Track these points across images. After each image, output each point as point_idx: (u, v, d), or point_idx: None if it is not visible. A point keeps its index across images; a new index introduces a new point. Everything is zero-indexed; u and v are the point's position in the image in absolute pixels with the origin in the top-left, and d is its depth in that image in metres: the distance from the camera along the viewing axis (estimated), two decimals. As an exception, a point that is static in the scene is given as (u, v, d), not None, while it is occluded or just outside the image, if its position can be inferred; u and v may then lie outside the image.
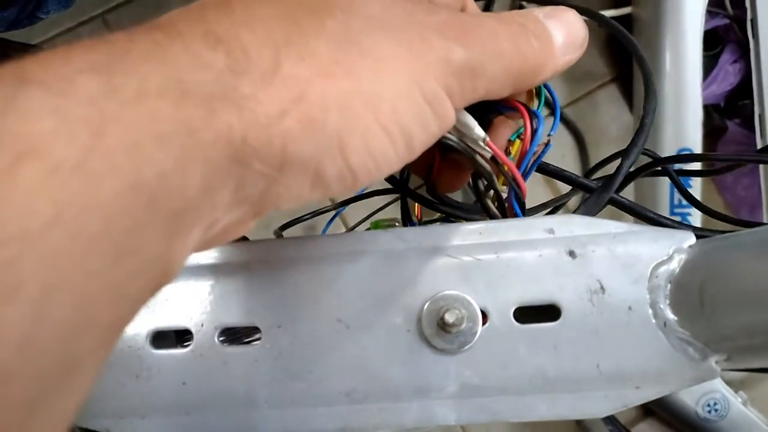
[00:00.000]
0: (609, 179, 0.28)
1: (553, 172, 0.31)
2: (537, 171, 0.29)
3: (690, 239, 0.25)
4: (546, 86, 0.27)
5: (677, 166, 0.76)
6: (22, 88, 0.13)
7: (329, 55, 0.18)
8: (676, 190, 0.74)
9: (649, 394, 0.24)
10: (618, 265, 0.24)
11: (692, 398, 0.78)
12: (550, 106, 0.28)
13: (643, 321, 0.24)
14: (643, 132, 0.28)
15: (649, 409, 0.84)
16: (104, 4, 0.81)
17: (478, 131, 0.24)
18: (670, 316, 0.24)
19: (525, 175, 0.27)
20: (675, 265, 0.24)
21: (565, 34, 0.24)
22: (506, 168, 0.25)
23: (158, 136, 0.15)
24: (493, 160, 0.25)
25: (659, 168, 0.37)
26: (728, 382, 0.79)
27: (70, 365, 0.14)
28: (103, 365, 0.16)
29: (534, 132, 0.26)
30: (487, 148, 0.25)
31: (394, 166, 0.20)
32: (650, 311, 0.24)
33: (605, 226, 0.25)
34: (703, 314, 0.23)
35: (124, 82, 0.15)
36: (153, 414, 0.25)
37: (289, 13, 0.19)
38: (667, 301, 0.24)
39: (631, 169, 0.30)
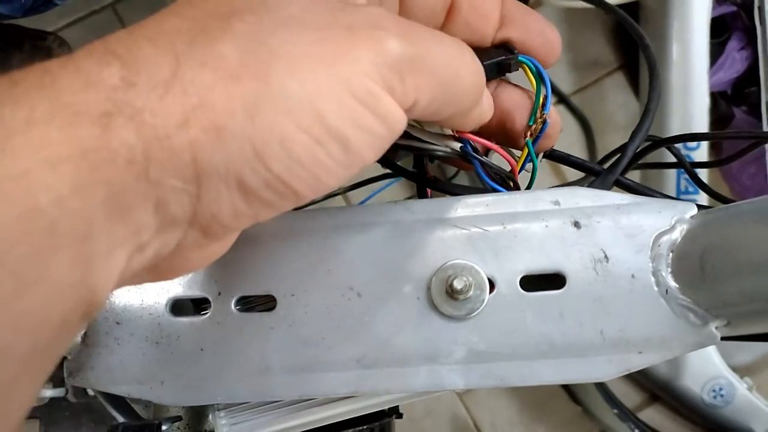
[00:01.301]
0: (614, 162, 0.29)
1: (559, 157, 0.31)
2: (544, 157, 0.30)
3: (692, 210, 0.25)
4: (537, 66, 0.27)
5: (684, 153, 0.76)
6: None
7: (236, 58, 0.17)
8: (681, 177, 0.75)
9: (652, 358, 0.24)
10: (622, 235, 0.25)
11: (698, 384, 0.79)
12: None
13: (645, 288, 0.24)
14: (648, 116, 0.29)
15: (655, 395, 0.85)
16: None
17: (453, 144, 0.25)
18: (672, 283, 0.24)
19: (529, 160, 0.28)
20: (677, 234, 0.25)
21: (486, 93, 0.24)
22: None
23: (49, 162, 0.15)
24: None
25: (665, 154, 0.37)
26: (734, 369, 0.80)
27: None
28: (34, 389, 0.16)
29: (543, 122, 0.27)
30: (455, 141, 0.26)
31: (337, 172, 0.19)
32: (653, 279, 0.24)
33: (610, 198, 0.26)
34: (703, 281, 0.23)
35: (11, 112, 0.15)
36: (171, 379, 0.25)
37: (197, 21, 0.18)
38: (669, 269, 0.24)
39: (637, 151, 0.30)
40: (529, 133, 0.27)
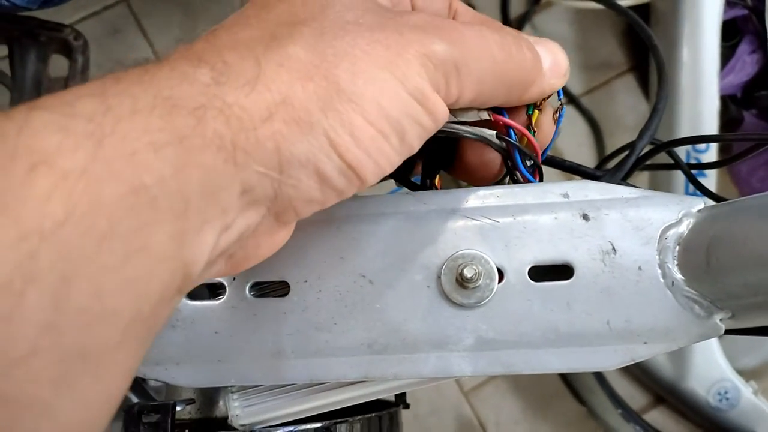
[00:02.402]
0: (618, 164, 0.29)
1: (558, 164, 0.31)
2: (544, 164, 0.30)
3: (698, 204, 0.26)
4: None
5: (694, 156, 0.76)
6: (32, 112, 0.16)
7: (307, 59, 0.20)
8: (689, 183, 0.75)
9: (657, 349, 0.25)
10: (630, 228, 0.25)
11: (703, 387, 0.79)
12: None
13: (652, 280, 0.25)
14: (655, 117, 0.30)
15: (660, 397, 0.85)
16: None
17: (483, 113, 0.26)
18: (678, 275, 0.25)
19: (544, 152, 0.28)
20: (684, 228, 0.25)
21: (552, 61, 0.26)
22: (525, 139, 0.27)
23: (153, 146, 0.17)
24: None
25: (671, 160, 0.38)
26: (740, 372, 0.80)
27: (92, 353, 0.16)
28: (133, 362, 0.18)
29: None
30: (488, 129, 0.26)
31: (394, 160, 0.21)
32: (659, 271, 0.25)
33: (618, 191, 0.26)
34: (709, 274, 0.24)
35: (119, 102, 0.17)
36: (187, 361, 0.26)
37: (268, 30, 0.21)
38: (676, 262, 0.25)
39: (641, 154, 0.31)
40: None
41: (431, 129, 0.22)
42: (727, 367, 0.78)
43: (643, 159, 0.37)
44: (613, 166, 0.30)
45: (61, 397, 0.15)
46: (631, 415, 0.77)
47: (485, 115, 0.26)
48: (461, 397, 0.85)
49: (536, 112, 0.27)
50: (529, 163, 0.28)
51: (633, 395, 0.85)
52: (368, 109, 0.20)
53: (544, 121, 0.28)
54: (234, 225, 0.19)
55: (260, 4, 0.23)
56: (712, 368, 0.79)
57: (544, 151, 0.29)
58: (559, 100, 0.28)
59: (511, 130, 0.27)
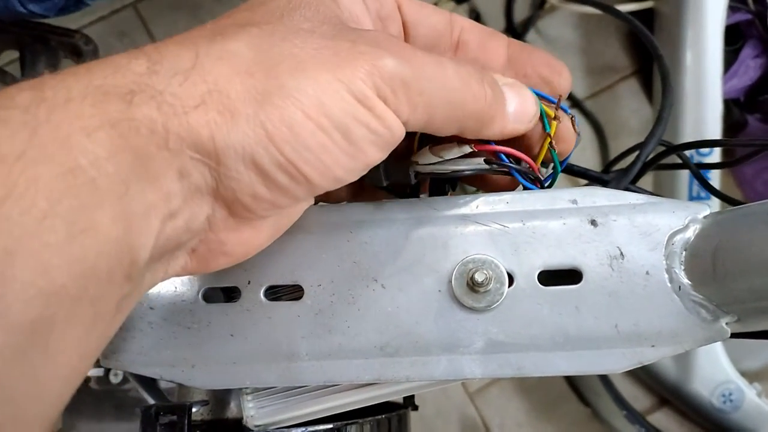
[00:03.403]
0: (626, 169, 0.30)
1: (567, 168, 0.32)
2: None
3: (704, 211, 0.26)
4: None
5: (697, 159, 0.76)
6: None
7: (249, 56, 0.20)
8: (694, 182, 0.75)
9: (664, 352, 0.25)
10: (637, 234, 0.26)
11: (707, 389, 0.79)
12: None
13: (659, 285, 0.25)
14: (660, 124, 0.30)
15: (664, 399, 0.86)
16: (137, -8, 0.84)
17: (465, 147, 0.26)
18: (685, 280, 0.25)
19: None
20: (690, 233, 0.26)
21: (518, 104, 0.26)
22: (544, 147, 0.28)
23: (85, 130, 0.17)
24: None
25: (677, 161, 0.38)
26: (743, 374, 0.80)
27: (39, 328, 0.16)
28: (85, 345, 0.18)
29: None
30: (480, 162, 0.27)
31: (342, 160, 0.21)
32: (666, 276, 0.25)
33: (626, 198, 0.27)
34: (715, 279, 0.24)
35: (53, 93, 0.18)
36: (203, 363, 0.27)
37: (218, 28, 0.21)
38: (682, 267, 0.25)
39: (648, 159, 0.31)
40: (548, 140, 0.28)
41: (386, 136, 0.21)
42: (731, 369, 0.79)
43: (652, 162, 0.37)
44: (619, 171, 0.31)
45: (11, 369, 0.16)
46: (635, 416, 0.77)
47: (467, 149, 0.26)
48: (466, 398, 0.85)
49: (554, 123, 0.28)
50: (545, 171, 0.28)
51: (637, 397, 0.86)
52: (308, 104, 0.20)
53: (564, 130, 0.28)
54: (179, 213, 0.20)
55: (226, 13, 0.24)
56: (716, 370, 0.79)
57: (565, 160, 0.29)
58: (567, 113, 0.29)
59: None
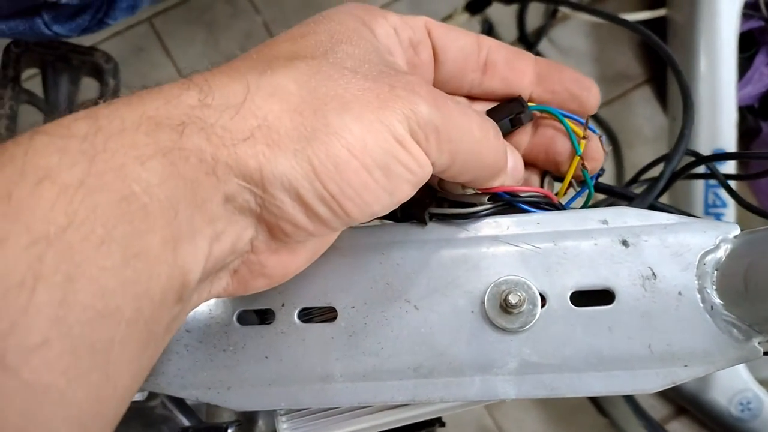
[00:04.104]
0: (652, 183, 0.30)
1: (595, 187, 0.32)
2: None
3: (735, 230, 0.26)
4: (549, 109, 0.29)
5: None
6: (35, 137, 0.18)
7: (298, 93, 0.21)
8: (709, 191, 0.75)
9: (697, 371, 0.25)
10: (668, 254, 0.26)
11: (725, 397, 0.79)
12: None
13: (691, 305, 0.25)
14: (683, 140, 0.30)
15: (682, 408, 0.85)
16: (152, 8, 0.85)
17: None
18: (717, 300, 0.25)
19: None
20: (721, 253, 0.26)
21: (514, 162, 0.27)
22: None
23: (139, 159, 0.18)
24: None
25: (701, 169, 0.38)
26: (762, 382, 0.80)
27: (99, 348, 0.17)
28: (138, 365, 0.19)
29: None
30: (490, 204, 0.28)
31: (382, 198, 0.22)
32: (698, 296, 0.25)
33: (657, 218, 0.27)
34: (747, 298, 0.24)
35: (108, 122, 0.19)
36: (238, 385, 0.27)
37: (266, 60, 0.22)
38: (714, 287, 0.26)
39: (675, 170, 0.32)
40: (580, 162, 0.29)
41: (419, 175, 0.22)
42: (749, 378, 0.78)
43: (681, 172, 0.37)
44: (644, 190, 0.31)
45: (74, 388, 0.17)
46: (653, 426, 0.77)
47: (470, 191, 0.27)
48: (483, 409, 0.85)
49: (583, 142, 0.28)
50: (572, 191, 0.29)
51: (655, 406, 0.85)
52: (353, 144, 0.21)
53: (592, 149, 0.29)
54: (224, 234, 0.21)
55: (267, 42, 0.24)
56: (734, 379, 0.79)
57: (595, 176, 0.30)
58: (595, 133, 0.29)
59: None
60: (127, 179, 0.18)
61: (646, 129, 0.91)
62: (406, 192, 0.23)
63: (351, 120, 0.21)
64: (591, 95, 0.30)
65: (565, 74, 0.30)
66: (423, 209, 0.28)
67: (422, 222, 0.28)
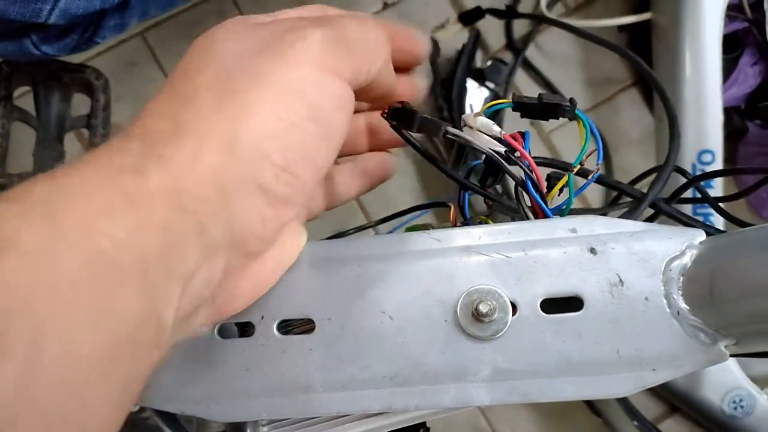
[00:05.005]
0: (634, 206, 0.31)
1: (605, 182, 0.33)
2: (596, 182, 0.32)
3: (700, 236, 0.27)
4: (588, 124, 0.30)
5: (699, 168, 0.77)
6: None
7: (213, 99, 0.22)
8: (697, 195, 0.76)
9: (665, 375, 0.26)
10: (635, 260, 0.27)
11: (718, 395, 0.80)
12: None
13: (658, 310, 0.26)
14: (665, 172, 0.31)
15: (675, 406, 0.86)
16: (143, 23, 0.85)
17: (495, 128, 0.28)
18: (683, 305, 0.26)
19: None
20: (687, 259, 0.27)
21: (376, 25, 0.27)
22: (527, 162, 0.29)
23: (103, 212, 0.18)
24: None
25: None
26: (754, 380, 0.80)
27: (72, 414, 0.17)
28: (114, 406, 0.18)
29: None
30: (499, 144, 0.29)
31: (324, 150, 0.23)
32: (665, 301, 0.26)
33: (624, 226, 0.27)
34: (712, 303, 0.25)
35: (68, 181, 0.19)
36: (221, 397, 0.28)
37: (171, 91, 0.23)
38: (680, 292, 0.26)
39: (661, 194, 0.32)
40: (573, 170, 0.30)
41: (348, 103, 0.23)
42: (741, 375, 0.79)
43: (675, 196, 0.38)
44: (624, 213, 0.32)
45: (60, 425, 0.16)
46: (645, 425, 0.78)
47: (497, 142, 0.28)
48: (477, 411, 0.86)
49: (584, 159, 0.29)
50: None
51: (648, 405, 0.86)
52: (280, 111, 0.22)
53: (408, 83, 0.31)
54: (199, 271, 0.21)
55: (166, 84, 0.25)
56: (725, 376, 0.79)
57: (580, 189, 0.30)
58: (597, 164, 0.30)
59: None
60: (94, 237, 0.18)
61: (633, 132, 0.91)
62: (339, 123, 0.23)
63: (266, 88, 0.22)
64: (417, 44, 0.31)
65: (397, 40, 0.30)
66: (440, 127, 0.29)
67: (436, 135, 0.29)
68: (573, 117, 0.30)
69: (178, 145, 0.20)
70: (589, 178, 0.30)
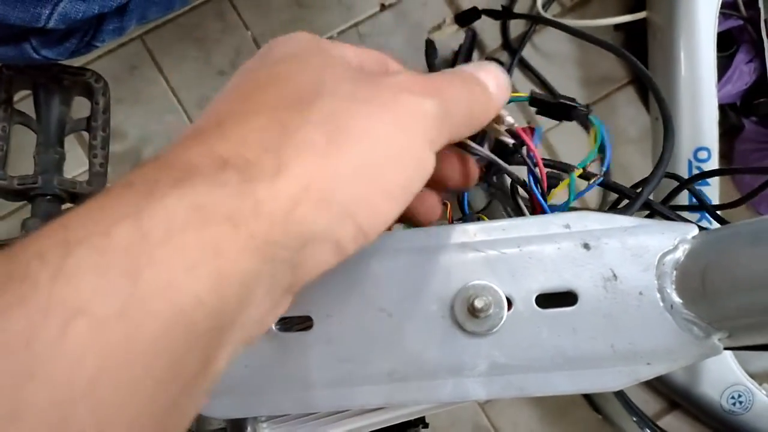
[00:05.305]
0: (627, 207, 0.32)
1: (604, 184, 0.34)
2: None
3: (693, 231, 0.27)
4: (602, 131, 0.31)
5: (695, 165, 0.77)
6: (68, 255, 0.15)
7: (321, 142, 0.20)
8: (694, 188, 0.76)
9: (659, 369, 0.26)
10: (629, 255, 0.27)
11: (716, 391, 0.80)
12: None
13: (652, 304, 0.27)
14: (661, 164, 0.32)
15: (674, 402, 0.86)
16: (143, 27, 0.86)
17: (509, 119, 0.29)
18: (676, 299, 0.26)
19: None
20: (680, 254, 0.27)
21: (494, 81, 0.27)
22: (532, 154, 0.29)
23: (188, 267, 0.16)
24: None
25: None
26: (753, 375, 0.81)
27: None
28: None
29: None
30: (509, 137, 0.29)
31: (396, 215, 0.22)
32: (658, 295, 0.27)
33: (617, 221, 0.28)
34: (705, 297, 0.26)
35: (154, 225, 0.16)
36: (221, 394, 0.28)
37: (274, 118, 0.21)
38: (674, 286, 0.27)
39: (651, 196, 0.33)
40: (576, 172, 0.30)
41: (431, 171, 0.23)
42: (740, 371, 0.79)
43: (669, 199, 0.38)
44: (621, 207, 0.32)
45: None
46: (645, 421, 0.78)
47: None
48: (478, 408, 0.86)
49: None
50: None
51: (647, 401, 0.86)
52: (381, 179, 0.21)
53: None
54: (251, 318, 0.19)
55: (245, 89, 0.23)
56: (724, 372, 0.80)
57: (582, 192, 0.31)
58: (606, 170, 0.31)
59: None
60: (175, 299, 0.16)
61: (631, 129, 0.92)
62: (416, 192, 0.23)
63: (374, 151, 0.21)
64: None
65: None
66: None
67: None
68: (585, 122, 0.31)
69: (278, 190, 0.19)
70: (592, 182, 0.31)
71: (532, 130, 0.30)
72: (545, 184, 0.30)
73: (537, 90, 0.31)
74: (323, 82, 0.22)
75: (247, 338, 0.20)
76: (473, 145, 0.29)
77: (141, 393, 0.15)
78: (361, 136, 0.21)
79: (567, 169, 0.31)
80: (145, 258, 0.16)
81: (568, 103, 0.31)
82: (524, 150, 0.30)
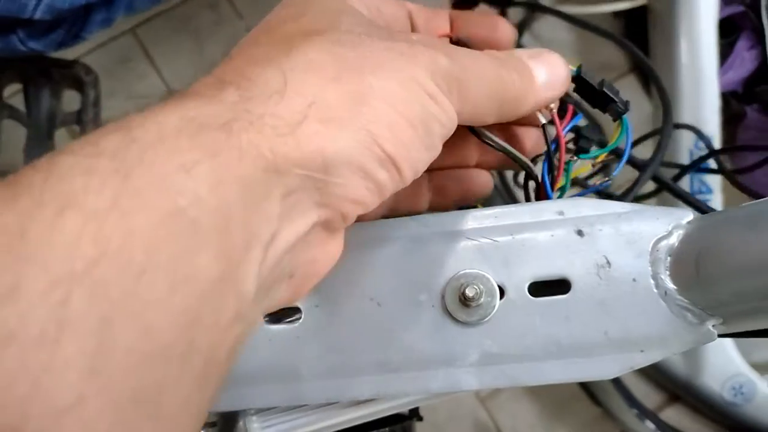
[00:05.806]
0: (628, 190, 0.31)
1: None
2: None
3: (688, 216, 0.27)
4: (628, 135, 0.30)
5: (696, 154, 0.77)
6: (56, 158, 0.16)
7: (331, 63, 0.20)
8: (695, 178, 0.76)
9: (654, 356, 0.26)
10: (622, 242, 0.27)
11: (718, 382, 0.79)
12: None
13: (646, 291, 0.26)
14: (660, 151, 0.31)
15: (676, 395, 0.86)
16: (135, 18, 0.85)
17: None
18: (670, 285, 0.26)
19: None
20: (674, 239, 0.26)
21: (548, 73, 0.26)
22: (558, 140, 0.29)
23: (183, 167, 0.16)
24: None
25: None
26: (754, 366, 0.80)
27: (147, 396, 0.15)
28: (198, 402, 0.17)
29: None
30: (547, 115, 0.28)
31: (424, 156, 0.22)
32: (652, 282, 0.26)
33: (611, 207, 0.27)
34: (699, 283, 0.25)
35: (143, 132, 0.16)
36: (209, 386, 0.28)
37: (283, 42, 0.21)
38: (668, 273, 0.26)
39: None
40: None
41: (449, 127, 0.22)
42: (741, 362, 0.79)
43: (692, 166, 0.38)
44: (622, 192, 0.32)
45: None
46: (646, 414, 0.78)
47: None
48: (478, 403, 0.86)
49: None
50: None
51: (648, 394, 0.86)
52: (397, 103, 0.20)
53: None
54: (280, 235, 0.19)
55: (265, 26, 0.23)
56: (725, 363, 0.79)
57: (602, 185, 0.30)
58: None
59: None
60: (170, 192, 0.16)
61: (633, 117, 0.90)
62: (438, 147, 0.22)
63: (388, 80, 0.20)
64: (500, 33, 0.30)
65: (472, 22, 0.30)
66: None
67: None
68: (617, 118, 0.30)
69: (282, 104, 0.18)
70: (597, 184, 0.30)
71: (572, 114, 0.29)
72: (560, 174, 0.29)
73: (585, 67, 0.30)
74: (339, 21, 0.22)
75: (278, 262, 0.19)
76: (488, 134, 0.28)
77: (147, 282, 0.15)
78: (374, 66, 0.20)
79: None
80: (136, 158, 0.16)
81: (610, 95, 0.30)
82: (551, 131, 0.29)
